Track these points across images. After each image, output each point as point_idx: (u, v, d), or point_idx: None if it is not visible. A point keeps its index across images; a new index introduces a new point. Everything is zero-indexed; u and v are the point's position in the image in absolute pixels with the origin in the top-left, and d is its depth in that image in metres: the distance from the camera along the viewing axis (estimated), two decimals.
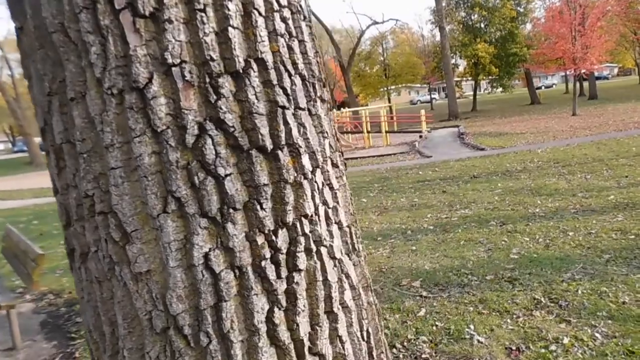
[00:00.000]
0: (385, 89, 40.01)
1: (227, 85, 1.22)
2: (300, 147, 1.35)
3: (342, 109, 30.33)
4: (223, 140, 1.23)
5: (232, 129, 1.23)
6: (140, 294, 1.26)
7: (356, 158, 17.14)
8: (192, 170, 1.21)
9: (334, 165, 1.53)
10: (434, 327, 3.29)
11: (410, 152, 16.45)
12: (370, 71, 40.88)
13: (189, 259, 1.23)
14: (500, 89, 38.09)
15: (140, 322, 1.29)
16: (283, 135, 1.31)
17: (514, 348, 2.82)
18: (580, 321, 3.10)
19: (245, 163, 1.26)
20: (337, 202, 1.49)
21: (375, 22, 41.86)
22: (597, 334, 2.92)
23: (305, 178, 1.36)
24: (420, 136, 19.80)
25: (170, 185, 1.20)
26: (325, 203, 1.44)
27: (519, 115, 25.30)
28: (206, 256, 1.23)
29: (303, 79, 1.40)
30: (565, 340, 2.86)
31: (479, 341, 2.95)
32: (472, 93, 37.82)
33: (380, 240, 5.88)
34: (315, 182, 1.40)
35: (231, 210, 1.23)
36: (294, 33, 1.40)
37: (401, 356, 2.99)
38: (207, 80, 1.21)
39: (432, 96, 50.58)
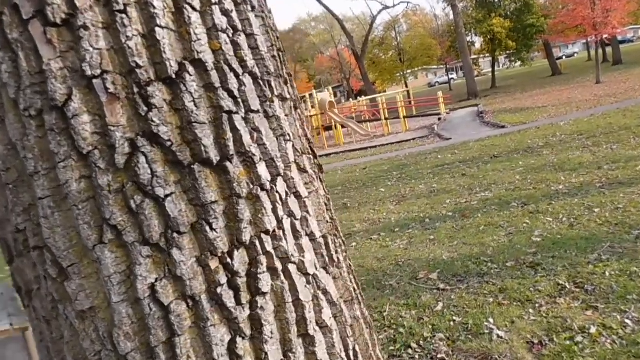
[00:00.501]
0: (402, 73, 39.32)
1: (158, 94, 1.07)
2: (254, 155, 1.19)
3: (358, 97, 30.00)
4: (160, 157, 1.08)
5: (168, 143, 1.08)
6: (87, 333, 1.13)
7: (375, 146, 16.89)
8: (127, 194, 1.07)
9: (302, 170, 1.36)
10: (452, 323, 3.11)
11: (430, 135, 16.10)
12: (385, 57, 40.20)
13: (134, 292, 1.09)
14: (519, 63, 37.00)
15: None
16: (231, 144, 1.15)
17: (536, 342, 2.62)
18: (609, 307, 2.87)
19: (188, 180, 1.11)
20: (307, 212, 1.33)
21: (386, 7, 41.23)
22: (627, 320, 2.69)
23: (263, 189, 1.20)
24: (439, 119, 19.37)
25: (104, 212, 1.07)
26: (291, 215, 1.28)
27: (540, 88, 24.50)
28: (152, 288, 1.09)
29: (254, 77, 1.24)
30: (593, 330, 2.65)
31: (498, 336, 2.76)
32: (490, 70, 36.90)
33: (398, 232, 5.69)
34: (277, 192, 1.24)
35: (175, 235, 1.09)
36: (239, 27, 1.23)
37: (417, 357, 2.83)
38: (135, 90, 1.06)
39: (450, 77, 49.50)
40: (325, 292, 1.34)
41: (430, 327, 3.14)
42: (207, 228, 1.12)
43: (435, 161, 10.51)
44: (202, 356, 1.12)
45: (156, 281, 1.09)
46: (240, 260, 1.15)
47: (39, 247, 1.13)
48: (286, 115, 1.34)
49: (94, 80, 1.03)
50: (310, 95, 22.40)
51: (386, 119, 20.66)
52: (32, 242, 1.14)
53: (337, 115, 21.06)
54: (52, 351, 1.25)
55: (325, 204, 1.46)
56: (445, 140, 14.11)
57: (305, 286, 1.28)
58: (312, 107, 21.47)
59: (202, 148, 1.11)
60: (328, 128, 21.27)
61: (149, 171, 1.06)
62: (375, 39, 39.39)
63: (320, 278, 1.33)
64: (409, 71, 40.67)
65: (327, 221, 1.43)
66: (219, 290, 1.13)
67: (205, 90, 1.14)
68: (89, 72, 1.03)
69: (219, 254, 1.13)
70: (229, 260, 1.14)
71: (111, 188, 1.06)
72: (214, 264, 1.13)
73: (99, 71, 1.03)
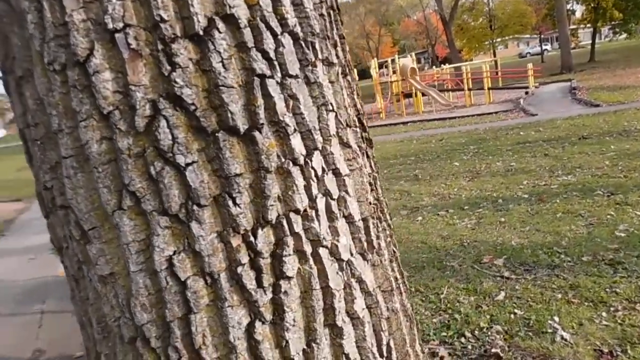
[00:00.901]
0: (491, 42, 36.88)
1: (183, 52, 0.97)
2: (288, 125, 1.06)
3: (442, 65, 28.70)
4: (182, 122, 0.98)
5: (192, 107, 0.98)
6: (107, 298, 1.10)
7: (454, 117, 16.13)
8: (147, 159, 0.99)
9: (344, 145, 1.22)
10: (512, 316, 2.88)
11: (514, 110, 15.07)
12: (474, 23, 37.81)
13: (152, 263, 1.03)
14: (624, 36, 33.33)
15: (112, 329, 1.13)
16: (262, 111, 1.03)
17: (605, 351, 2.34)
18: None
19: (212, 149, 1.01)
20: (346, 191, 1.19)
21: None
22: None
23: (296, 164, 1.08)
24: (526, 92, 18.04)
25: (123, 177, 1.00)
26: (327, 193, 1.15)
27: None
28: (170, 260, 1.02)
29: (295, 38, 1.09)
30: None
31: (562, 338, 2.50)
32: (589, 42, 33.62)
33: (467, 210, 5.38)
34: (312, 168, 1.11)
35: (195, 207, 1.00)
36: None
37: (469, 347, 2.64)
38: (160, 47, 0.96)
39: (544, 47, 45.71)
40: (360, 281, 1.21)
41: (488, 317, 2.92)
42: (230, 202, 1.02)
43: (516, 138, 9.81)
44: (219, 336, 1.05)
45: (174, 254, 1.02)
46: (264, 240, 1.05)
47: (65, 206, 1.10)
48: (331, 82, 1.19)
49: (116, 35, 0.94)
50: (392, 60, 21.67)
51: (469, 89, 19.59)
52: (58, 200, 1.11)
53: (418, 83, 20.29)
54: (80, 309, 1.24)
55: (371, 184, 1.31)
56: (530, 116, 13.13)
57: (337, 273, 1.16)
58: (394, 72, 20.82)
59: (229, 115, 1.00)
60: (408, 95, 20.58)
61: (170, 136, 0.97)
62: (465, 4, 37.04)
63: (356, 265, 1.20)
64: (498, 40, 38.04)
65: (371, 203, 1.28)
66: (239, 269, 1.04)
67: (237, 50, 1.01)
68: (110, 25, 0.94)
69: (242, 232, 1.03)
70: (252, 238, 1.04)
71: (131, 152, 0.98)
72: (235, 241, 1.04)
73: (121, 24, 0.94)
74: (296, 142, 1.08)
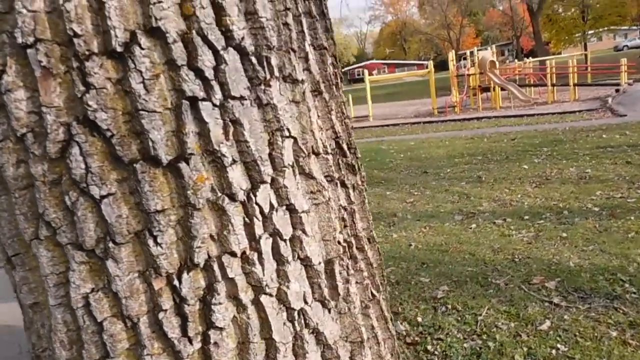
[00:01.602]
0: (582, 34, 33.89)
1: (99, 71, 0.84)
2: (225, 156, 0.91)
3: (525, 58, 26.92)
4: (98, 149, 0.86)
5: (108, 134, 0.86)
6: (36, 327, 1.02)
7: (532, 115, 15.07)
8: (64, 188, 0.89)
9: (307, 176, 1.05)
10: (554, 351, 2.54)
11: (600, 109, 13.75)
12: (565, 14, 34.93)
13: (70, 299, 0.93)
14: None
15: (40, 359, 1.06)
16: (190, 140, 0.88)
17: None
18: None
19: (132, 181, 0.88)
20: (304, 230, 1.02)
21: None
22: None
23: (234, 200, 0.93)
24: (617, 90, 16.40)
25: (38, 205, 0.90)
26: (275, 233, 0.99)
27: None
28: (86, 299, 0.92)
29: (243, 53, 0.93)
30: None
31: None
32: None
33: (527, 220, 4.93)
34: (257, 204, 0.95)
35: (111, 244, 0.88)
36: None
37: None
38: (74, 64, 0.84)
39: None
40: (317, 332, 1.05)
41: (526, 349, 2.61)
42: (151, 241, 0.89)
43: (597, 141, 8.91)
44: None
45: (91, 292, 0.91)
46: (190, 285, 0.91)
47: None
48: (295, 103, 1.02)
49: (28, 50, 0.84)
50: (471, 52, 20.65)
51: (553, 85, 18.20)
52: None
53: (496, 76, 19.17)
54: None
55: (344, 219, 1.13)
56: (617, 117, 11.90)
57: (285, 323, 1.00)
58: (472, 65, 19.84)
59: (150, 143, 0.86)
60: (486, 89, 19.51)
61: (83, 165, 0.86)
62: None
63: (312, 314, 1.04)
64: (590, 32, 34.91)
65: (340, 242, 1.10)
66: (160, 315, 0.91)
67: (167, 69, 0.87)
68: (20, 40, 0.83)
69: (164, 274, 0.90)
70: (176, 282, 0.91)
71: (46, 179, 0.88)
72: (158, 283, 0.91)
73: (32, 39, 0.83)
74: (235, 174, 0.92)
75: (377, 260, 1.26)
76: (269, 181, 0.96)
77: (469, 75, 19.33)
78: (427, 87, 18.70)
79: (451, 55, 20.32)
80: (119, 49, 0.83)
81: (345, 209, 1.14)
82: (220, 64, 0.90)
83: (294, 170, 1.01)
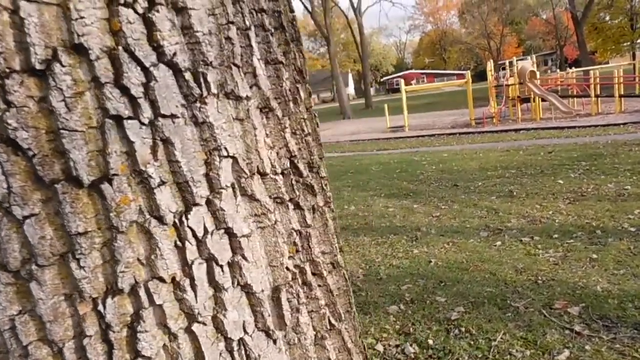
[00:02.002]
0: (630, 43, 32.39)
1: (19, 89, 0.82)
2: (151, 177, 0.87)
3: (568, 68, 25.99)
4: (21, 169, 0.84)
5: (30, 153, 0.83)
6: None
7: (573, 127, 14.49)
8: None
9: (250, 198, 0.99)
10: None
11: None
12: (612, 22, 33.55)
13: None
14: None
15: None
16: (113, 160, 0.85)
17: None
18: None
19: (55, 201, 0.86)
20: (244, 256, 0.97)
21: None
22: None
23: (162, 223, 0.88)
24: None
25: None
26: (211, 259, 0.94)
27: None
28: (13, 321, 0.89)
29: (176, 69, 0.90)
30: None
31: None
32: None
33: (556, 239, 4.68)
34: (189, 227, 0.91)
35: (34, 266, 0.86)
36: None
37: None
38: None
39: None
40: None
41: None
42: (74, 264, 0.86)
43: None
44: None
45: (18, 314, 0.89)
46: (114, 311, 0.87)
47: None
48: (238, 120, 0.97)
49: None
50: (510, 62, 20.16)
51: (597, 96, 17.47)
52: None
53: (536, 87, 18.57)
54: None
55: (295, 244, 1.07)
56: None
57: (221, 354, 0.95)
58: (511, 75, 19.34)
59: (71, 163, 0.83)
60: (525, 100, 18.94)
61: (5, 185, 0.84)
62: (602, 1, 33.08)
63: (252, 345, 0.98)
64: (639, 41, 33.35)
65: (289, 268, 1.04)
66: (84, 341, 0.88)
67: (94, 86, 0.85)
68: None
69: (87, 299, 0.87)
70: (101, 307, 0.87)
71: None
72: (83, 308, 0.87)
73: None
74: (163, 196, 0.88)
75: (342, 286, 1.18)
76: (203, 203, 0.91)
77: (507, 85, 18.84)
78: (466, 98, 18.32)
79: (489, 65, 19.86)
80: (38, 67, 0.81)
81: (299, 233, 1.07)
82: (150, 81, 0.86)
83: (234, 192, 0.96)
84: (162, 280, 0.89)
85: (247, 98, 0.98)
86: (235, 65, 0.97)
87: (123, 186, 0.85)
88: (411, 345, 3.07)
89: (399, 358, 2.97)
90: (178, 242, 0.90)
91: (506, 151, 11.45)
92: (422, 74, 60.15)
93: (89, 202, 0.85)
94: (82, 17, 0.82)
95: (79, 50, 0.83)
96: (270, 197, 1.03)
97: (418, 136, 16.70)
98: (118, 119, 0.84)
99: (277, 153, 1.05)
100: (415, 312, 3.49)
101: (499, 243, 4.82)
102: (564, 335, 2.86)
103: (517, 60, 20.52)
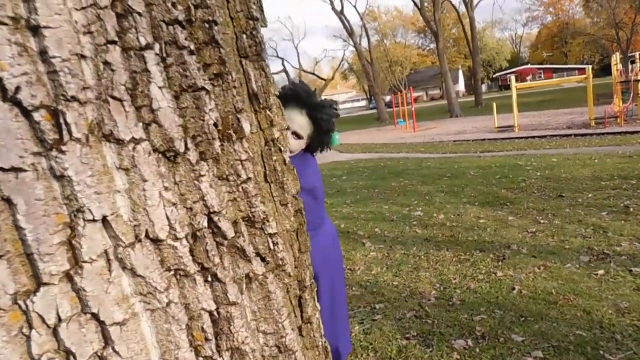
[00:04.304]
0: None
1: None
2: None
3: None
4: None
5: None
6: None
7: None
8: None
9: (132, 273, 0.75)
10: None
11: None
12: None
13: None
14: None
15: None
16: None
17: None
18: None
19: None
20: (114, 349, 0.73)
21: None
22: None
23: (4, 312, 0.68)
24: None
25: None
26: (69, 352, 0.71)
27: None
28: None
29: (23, 111, 0.68)
30: None
31: None
32: None
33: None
34: (36, 312, 0.69)
35: None
36: None
37: None
38: None
39: None
40: None
41: None
42: None
43: None
44: None
45: None
46: None
47: None
48: (121, 170, 0.74)
49: None
50: None
51: None
52: None
53: None
54: None
55: (204, 330, 0.80)
56: None
57: None
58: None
59: None
60: None
61: None
62: None
63: None
64: None
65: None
66: None
67: None
68: None
69: None
70: None
71: None
72: None
73: None
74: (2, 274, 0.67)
75: None
76: (56, 282, 0.69)
77: (635, 81, 16.47)
78: (586, 94, 16.39)
79: (615, 58, 17.57)
80: None
81: (213, 313, 0.81)
82: None
83: (107, 265, 0.72)
84: None
85: (135, 140, 0.74)
86: (115, 98, 0.73)
87: None
88: None
89: None
90: (24, 331, 0.69)
91: (628, 157, 9.89)
92: (539, 69, 55.47)
93: None
94: None
95: None
96: (168, 269, 0.77)
97: (527, 137, 15.28)
98: None
99: (189, 209, 0.80)
100: (484, 350, 3.01)
101: (601, 272, 4.05)
102: None
103: None
